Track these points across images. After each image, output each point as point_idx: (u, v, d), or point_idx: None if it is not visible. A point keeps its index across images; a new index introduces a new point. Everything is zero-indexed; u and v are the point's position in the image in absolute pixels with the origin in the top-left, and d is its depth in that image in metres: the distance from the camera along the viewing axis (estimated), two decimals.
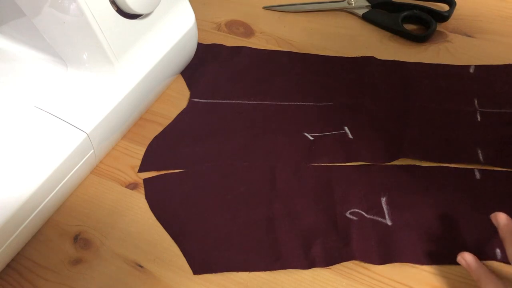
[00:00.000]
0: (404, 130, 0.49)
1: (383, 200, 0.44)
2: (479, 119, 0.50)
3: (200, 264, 0.41)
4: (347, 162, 0.47)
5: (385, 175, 0.46)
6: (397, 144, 0.48)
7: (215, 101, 0.53)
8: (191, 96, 0.54)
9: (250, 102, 0.53)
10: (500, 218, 0.40)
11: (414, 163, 0.47)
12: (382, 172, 0.46)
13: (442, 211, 0.43)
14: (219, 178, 0.46)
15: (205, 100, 0.53)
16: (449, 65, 0.56)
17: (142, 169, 0.48)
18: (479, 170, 0.46)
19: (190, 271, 0.41)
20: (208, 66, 0.57)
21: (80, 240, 0.43)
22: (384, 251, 0.41)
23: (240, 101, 0.53)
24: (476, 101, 0.52)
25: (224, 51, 0.59)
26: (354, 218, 0.43)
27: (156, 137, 0.50)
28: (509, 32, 0.60)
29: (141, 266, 0.42)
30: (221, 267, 0.41)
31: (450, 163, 0.47)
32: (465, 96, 0.52)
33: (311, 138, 0.49)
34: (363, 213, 0.43)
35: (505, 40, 0.59)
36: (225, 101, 0.53)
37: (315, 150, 0.48)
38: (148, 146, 0.49)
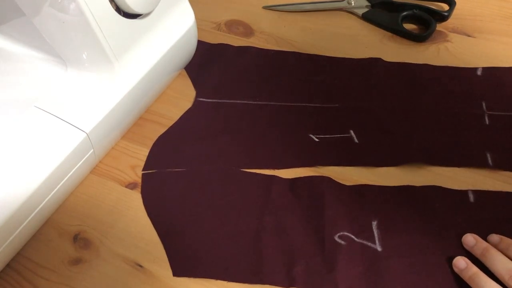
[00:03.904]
0: (411, 134, 0.49)
1: (374, 223, 0.43)
2: (487, 122, 0.50)
3: (182, 267, 0.41)
4: (352, 165, 0.47)
5: (378, 196, 0.45)
6: (404, 148, 0.48)
7: (220, 101, 0.53)
8: (197, 96, 0.54)
9: (256, 102, 0.53)
10: (468, 241, 0.41)
11: (408, 183, 0.46)
12: (375, 193, 0.45)
13: (435, 237, 0.42)
14: (216, 181, 0.46)
15: (211, 100, 0.53)
16: (456, 67, 0.55)
17: (146, 168, 0.48)
18: (473, 192, 0.45)
19: None
20: (214, 66, 0.57)
21: (79, 240, 0.43)
22: (371, 280, 0.39)
23: (245, 101, 0.53)
24: (484, 104, 0.51)
25: (230, 50, 0.59)
26: (343, 242, 0.42)
27: (161, 136, 0.50)
28: (509, 32, 0.60)
29: (141, 266, 0.42)
30: (201, 273, 0.41)
31: (458, 166, 0.47)
32: (473, 98, 0.52)
33: (317, 140, 0.49)
34: (352, 236, 0.42)
35: (505, 40, 0.59)
36: (231, 101, 0.53)
37: (320, 152, 0.48)
38: (153, 145, 0.49)
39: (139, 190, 0.46)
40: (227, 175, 0.47)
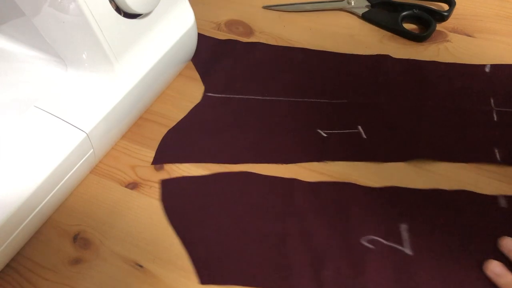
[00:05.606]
0: (420, 130, 0.49)
1: (403, 226, 0.42)
2: (495, 119, 0.50)
3: (209, 275, 0.41)
4: (361, 161, 0.47)
5: (406, 199, 0.44)
6: (412, 144, 0.48)
7: (229, 96, 0.53)
8: (206, 91, 0.54)
9: (264, 97, 0.53)
10: (508, 244, 0.40)
11: (437, 187, 0.45)
12: (402, 195, 0.44)
13: (465, 240, 0.41)
14: (236, 186, 0.46)
15: (219, 95, 0.53)
16: (464, 64, 0.55)
17: (155, 161, 0.48)
18: (505, 197, 0.44)
19: (190, 271, 0.41)
20: (222, 61, 0.57)
21: (79, 239, 0.43)
22: (401, 284, 0.39)
23: (254, 97, 0.53)
24: (492, 100, 0.52)
25: (239, 46, 0.59)
26: (371, 246, 0.41)
27: (170, 130, 0.50)
28: (509, 32, 0.59)
29: (141, 266, 0.42)
30: (229, 280, 0.40)
31: (466, 162, 0.47)
32: (481, 95, 0.52)
33: (325, 135, 0.49)
34: (381, 240, 0.41)
35: (505, 40, 0.59)
36: (239, 96, 0.53)
37: (328, 147, 0.48)
38: (162, 139, 0.50)
39: (139, 190, 0.46)
40: (246, 179, 0.46)
